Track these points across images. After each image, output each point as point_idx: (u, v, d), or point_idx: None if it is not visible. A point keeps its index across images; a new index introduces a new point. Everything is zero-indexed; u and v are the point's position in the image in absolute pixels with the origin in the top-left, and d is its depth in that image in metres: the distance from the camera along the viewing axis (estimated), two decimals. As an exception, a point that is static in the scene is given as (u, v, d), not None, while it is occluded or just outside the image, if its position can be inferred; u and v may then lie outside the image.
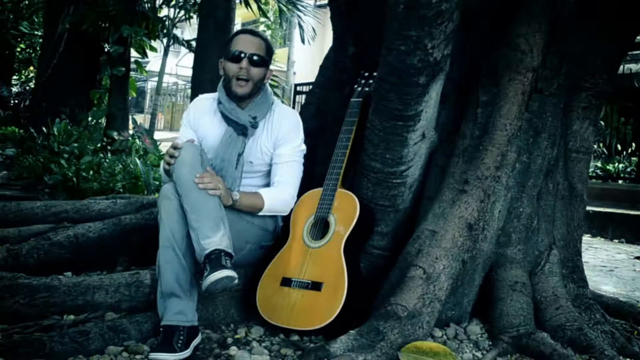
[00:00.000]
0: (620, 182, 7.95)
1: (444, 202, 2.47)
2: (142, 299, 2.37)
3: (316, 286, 2.29)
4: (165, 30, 9.54)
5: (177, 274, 2.12)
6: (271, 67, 2.56)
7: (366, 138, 2.48)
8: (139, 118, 13.02)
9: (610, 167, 8.69)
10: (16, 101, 13.48)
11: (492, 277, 2.52)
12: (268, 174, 2.56)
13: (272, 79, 6.04)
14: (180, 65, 19.95)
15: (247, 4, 8.40)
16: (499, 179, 2.48)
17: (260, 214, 2.43)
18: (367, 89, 2.64)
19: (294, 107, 11.68)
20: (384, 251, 2.60)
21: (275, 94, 8.35)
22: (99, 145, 6.27)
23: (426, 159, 2.61)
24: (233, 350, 2.13)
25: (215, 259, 2.05)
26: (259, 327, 2.35)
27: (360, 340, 2.05)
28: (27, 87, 13.91)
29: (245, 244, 2.42)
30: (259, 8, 8.72)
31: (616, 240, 6.30)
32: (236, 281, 2.07)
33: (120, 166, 5.35)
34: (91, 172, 5.02)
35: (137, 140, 6.26)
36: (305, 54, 16.72)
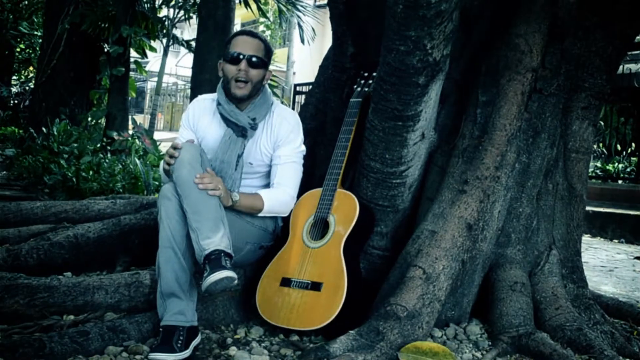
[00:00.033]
0: (620, 182, 7.96)
1: (443, 202, 2.47)
2: (142, 299, 2.37)
3: (316, 286, 2.29)
4: (164, 31, 9.54)
5: (176, 274, 2.12)
6: (271, 67, 2.56)
7: (366, 138, 2.48)
8: (139, 118, 13.03)
9: (609, 167, 8.69)
10: (16, 101, 13.48)
11: (492, 278, 2.52)
12: (268, 174, 2.56)
13: (271, 79, 6.03)
14: (180, 65, 19.96)
15: (247, 4, 8.40)
16: (498, 179, 2.48)
17: (259, 215, 2.43)
18: (366, 89, 2.64)
19: (293, 107, 11.70)
20: (384, 251, 2.60)
21: (274, 94, 8.37)
22: (98, 145, 6.27)
23: (426, 159, 2.61)
24: (233, 350, 2.13)
25: (215, 259, 2.05)
26: (258, 327, 2.35)
27: (360, 341, 2.05)
28: (27, 87, 13.89)
29: (245, 244, 2.42)
30: (259, 8, 8.72)
31: (616, 240, 6.30)
32: (236, 282, 2.07)
33: (120, 166, 5.34)
34: (91, 173, 5.02)
35: (136, 140, 6.25)
36: (304, 54, 16.71)
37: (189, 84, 8.59)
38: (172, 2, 9.50)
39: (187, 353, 2.02)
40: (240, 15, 16.62)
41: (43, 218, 3.20)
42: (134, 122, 6.75)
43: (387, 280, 2.40)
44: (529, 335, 2.26)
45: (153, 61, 13.41)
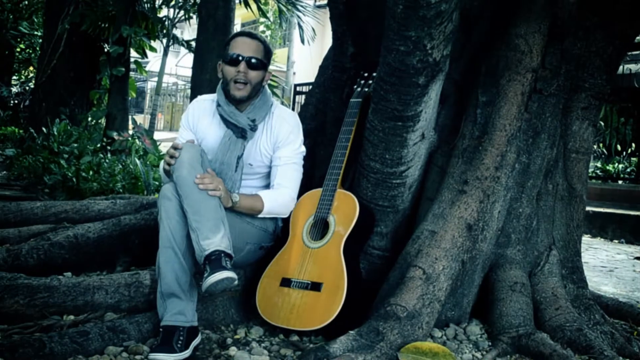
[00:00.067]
0: (620, 182, 7.96)
1: (443, 203, 2.48)
2: (142, 299, 2.37)
3: (316, 286, 2.29)
4: (164, 31, 9.55)
5: (176, 274, 2.12)
6: (271, 67, 2.56)
7: (365, 138, 2.48)
8: (139, 118, 13.04)
9: (610, 167, 8.70)
10: (16, 101, 13.48)
11: (492, 278, 2.52)
12: (268, 175, 2.56)
13: (271, 79, 6.04)
14: (180, 65, 19.97)
15: (247, 4, 8.40)
16: (498, 179, 2.48)
17: (259, 216, 2.43)
18: (366, 89, 2.64)
19: (293, 108, 11.70)
20: (384, 252, 2.60)
21: (274, 94, 8.37)
22: (98, 145, 6.28)
23: (426, 159, 2.61)
24: (233, 350, 2.13)
25: (215, 259, 2.05)
26: (258, 327, 2.35)
27: (359, 341, 2.05)
28: (27, 87, 13.90)
29: (245, 244, 2.42)
30: (259, 8, 8.72)
31: (616, 241, 6.30)
32: (236, 282, 2.07)
33: (120, 166, 5.35)
34: (91, 173, 5.02)
35: (136, 140, 6.25)
36: (304, 54, 16.71)
37: (189, 84, 8.60)
38: (172, 2, 9.50)
39: (187, 353, 2.02)
40: (240, 15, 16.62)
41: (43, 218, 3.20)
42: (134, 122, 6.75)
43: (387, 281, 2.40)
44: (529, 336, 2.26)
45: (153, 61, 13.42)
